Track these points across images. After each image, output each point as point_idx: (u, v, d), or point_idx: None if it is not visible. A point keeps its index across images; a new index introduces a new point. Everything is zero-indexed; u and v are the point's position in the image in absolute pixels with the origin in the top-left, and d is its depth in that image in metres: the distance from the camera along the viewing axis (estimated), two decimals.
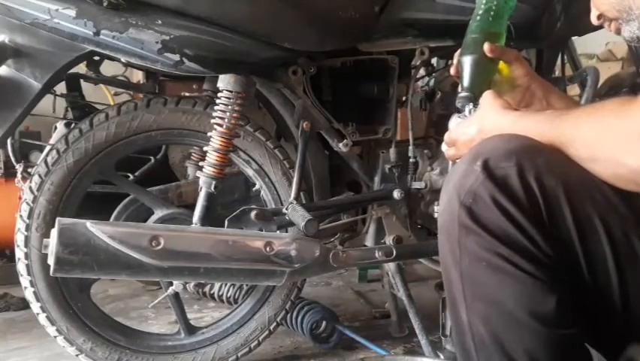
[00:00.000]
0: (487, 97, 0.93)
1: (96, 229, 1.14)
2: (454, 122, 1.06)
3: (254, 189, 1.59)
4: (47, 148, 1.49)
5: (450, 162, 1.05)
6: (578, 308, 0.76)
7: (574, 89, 1.74)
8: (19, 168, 1.67)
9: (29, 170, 1.61)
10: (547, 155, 0.76)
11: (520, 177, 0.74)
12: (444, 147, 1.03)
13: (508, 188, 0.74)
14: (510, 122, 0.85)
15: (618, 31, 0.88)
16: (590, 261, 0.75)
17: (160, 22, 1.29)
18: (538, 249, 0.73)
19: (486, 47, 1.00)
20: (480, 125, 0.90)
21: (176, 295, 1.56)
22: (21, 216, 1.40)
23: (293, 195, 1.43)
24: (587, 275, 0.76)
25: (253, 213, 1.36)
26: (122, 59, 1.41)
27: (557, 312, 0.73)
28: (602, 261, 0.75)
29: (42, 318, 1.45)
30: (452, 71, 1.08)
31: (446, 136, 1.00)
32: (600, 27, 1.68)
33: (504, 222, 0.73)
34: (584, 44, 2.57)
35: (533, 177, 0.74)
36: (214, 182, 1.39)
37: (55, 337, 1.47)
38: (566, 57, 1.71)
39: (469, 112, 1.04)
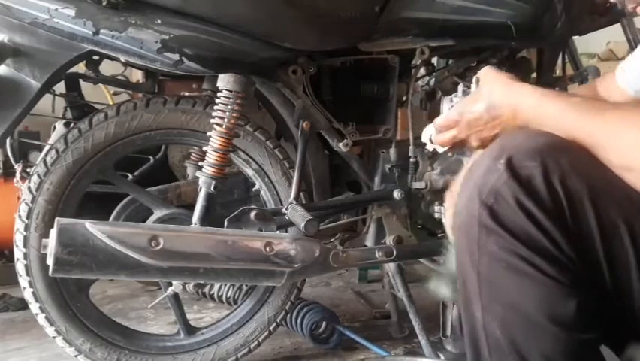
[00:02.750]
0: (489, 72, 0.88)
1: (95, 229, 1.14)
2: (447, 105, 1.00)
3: (253, 189, 1.59)
4: (46, 148, 1.48)
5: (441, 149, 0.99)
6: (598, 312, 0.74)
7: (574, 89, 1.74)
8: (17, 167, 1.68)
9: (28, 170, 1.61)
10: (573, 154, 0.73)
11: (545, 179, 0.71)
12: (427, 136, 0.98)
13: (532, 189, 0.71)
14: (530, 101, 0.79)
15: None
16: (612, 265, 0.73)
17: (159, 21, 1.28)
18: (560, 252, 0.71)
19: None
20: (489, 100, 0.84)
21: (175, 295, 1.55)
22: (20, 216, 1.40)
23: (293, 195, 1.42)
24: (609, 280, 0.74)
25: (253, 214, 1.36)
26: (122, 59, 1.41)
27: (577, 317, 0.71)
28: (625, 266, 0.73)
29: (41, 318, 1.45)
30: None
31: (441, 119, 0.94)
32: (601, 27, 1.69)
33: (526, 223, 0.71)
34: (584, 44, 2.56)
35: (558, 179, 0.71)
36: (214, 182, 1.39)
37: (54, 337, 1.46)
38: (566, 56, 1.71)
39: (463, 93, 0.97)
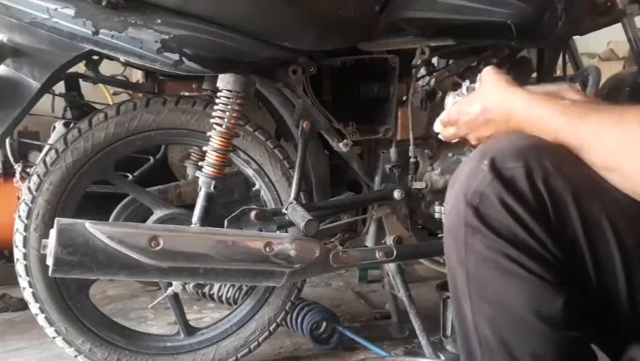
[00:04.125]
0: (489, 73, 0.89)
1: (95, 229, 1.14)
2: (450, 100, 1.02)
3: (253, 189, 1.59)
4: (46, 148, 1.48)
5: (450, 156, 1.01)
6: (586, 310, 0.75)
7: None
8: (17, 168, 1.67)
9: (28, 170, 1.61)
10: (555, 155, 0.75)
11: (528, 179, 0.72)
12: (438, 127, 1.00)
13: (515, 189, 0.73)
14: (521, 104, 0.81)
15: None
16: (597, 263, 0.74)
17: (159, 21, 1.28)
18: (546, 250, 0.72)
19: None
20: (484, 104, 0.86)
21: (175, 295, 1.55)
22: (19, 216, 1.40)
23: (293, 195, 1.42)
24: (594, 277, 0.75)
25: (253, 214, 1.36)
26: (121, 59, 1.40)
27: (565, 314, 0.72)
28: (610, 263, 0.74)
29: (41, 319, 1.44)
30: None
31: (444, 115, 0.96)
32: (601, 27, 1.68)
33: (511, 223, 0.72)
34: (585, 44, 2.56)
35: (541, 179, 0.72)
36: (213, 182, 1.38)
37: (54, 338, 1.46)
38: (567, 56, 1.71)
39: (467, 90, 1.00)
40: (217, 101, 1.40)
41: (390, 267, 1.62)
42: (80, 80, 1.66)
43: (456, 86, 1.67)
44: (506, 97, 0.84)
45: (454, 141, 1.00)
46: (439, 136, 1.03)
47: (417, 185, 1.53)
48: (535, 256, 0.72)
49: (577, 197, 0.73)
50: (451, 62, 1.72)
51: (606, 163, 0.72)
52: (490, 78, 0.88)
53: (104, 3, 1.25)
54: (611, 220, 0.73)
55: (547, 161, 0.74)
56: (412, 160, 1.52)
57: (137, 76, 2.15)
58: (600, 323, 0.78)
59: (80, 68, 1.55)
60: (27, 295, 1.43)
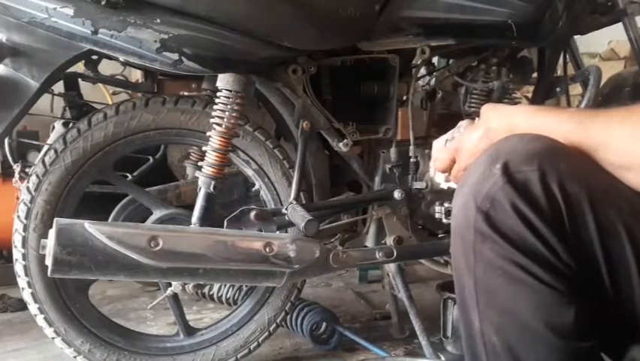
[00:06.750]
0: (488, 105, 0.89)
1: (94, 230, 1.13)
2: (442, 141, 1.02)
3: (253, 189, 1.58)
4: (45, 148, 1.48)
5: (443, 182, 1.00)
6: (597, 320, 0.73)
7: (576, 89, 1.73)
8: (16, 168, 1.67)
9: (27, 170, 1.60)
10: (570, 158, 0.72)
11: (542, 183, 0.69)
12: (439, 177, 0.98)
13: (528, 194, 0.70)
14: (524, 116, 0.80)
15: None
16: (612, 272, 0.71)
17: (158, 20, 1.28)
18: (558, 259, 0.70)
19: None
20: (487, 126, 0.84)
21: (174, 296, 1.55)
22: (18, 216, 1.40)
23: (293, 195, 1.42)
24: (609, 286, 0.72)
25: (252, 214, 1.35)
26: (121, 58, 1.40)
27: (575, 324, 0.70)
28: (626, 272, 0.71)
29: (40, 319, 1.44)
30: None
31: (442, 153, 0.93)
32: (602, 26, 1.67)
33: (523, 229, 0.69)
34: (586, 43, 2.56)
35: (556, 183, 0.69)
36: (213, 182, 1.38)
37: (53, 338, 1.46)
38: (568, 56, 1.70)
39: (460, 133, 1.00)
40: (216, 100, 1.39)
41: (391, 267, 1.61)
42: (79, 79, 1.65)
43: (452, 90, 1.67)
44: (507, 113, 0.83)
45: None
46: (443, 185, 1.00)
47: (417, 185, 1.52)
48: (546, 264, 0.70)
49: (593, 202, 0.70)
50: (451, 61, 1.72)
51: (622, 160, 0.71)
52: (488, 107, 0.88)
53: (103, 2, 1.24)
54: (627, 226, 0.71)
55: (562, 164, 0.71)
56: (412, 160, 1.51)
57: (136, 76, 2.15)
58: (612, 331, 0.76)
59: (79, 67, 1.55)
60: (26, 295, 1.43)
